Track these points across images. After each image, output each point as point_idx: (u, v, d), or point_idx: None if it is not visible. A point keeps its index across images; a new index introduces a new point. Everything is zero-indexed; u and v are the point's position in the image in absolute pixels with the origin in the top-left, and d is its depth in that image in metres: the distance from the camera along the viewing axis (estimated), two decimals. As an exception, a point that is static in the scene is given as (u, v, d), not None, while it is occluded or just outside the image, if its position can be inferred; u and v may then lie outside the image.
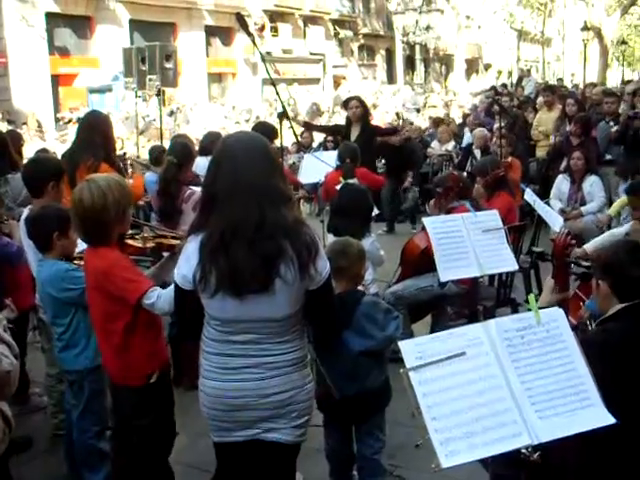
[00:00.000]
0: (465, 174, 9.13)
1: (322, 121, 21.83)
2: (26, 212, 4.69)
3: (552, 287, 3.67)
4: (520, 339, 2.53)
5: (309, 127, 12.60)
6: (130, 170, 11.04)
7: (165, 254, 4.01)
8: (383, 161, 12.87)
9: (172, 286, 3.43)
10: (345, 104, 10.76)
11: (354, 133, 9.91)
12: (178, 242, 3.95)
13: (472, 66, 52.79)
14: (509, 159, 9.91)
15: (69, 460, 4.35)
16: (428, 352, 2.43)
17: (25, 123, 22.03)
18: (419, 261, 5.96)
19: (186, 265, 2.90)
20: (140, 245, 3.86)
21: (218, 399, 2.98)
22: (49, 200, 4.56)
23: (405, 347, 2.43)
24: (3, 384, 2.56)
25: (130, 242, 3.80)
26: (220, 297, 2.83)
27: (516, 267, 5.39)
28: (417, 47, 36.46)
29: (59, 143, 17.57)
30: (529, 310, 2.63)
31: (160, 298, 3.49)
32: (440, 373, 2.41)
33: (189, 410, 4.18)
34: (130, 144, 16.36)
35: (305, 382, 3.02)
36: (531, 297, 2.68)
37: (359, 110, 10.02)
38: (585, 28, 31.79)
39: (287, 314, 2.88)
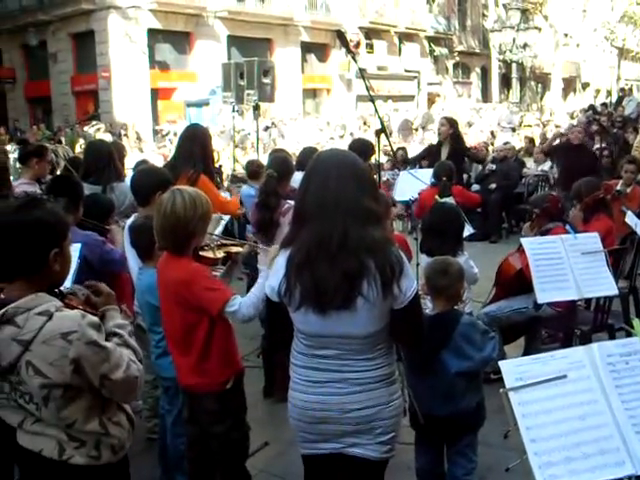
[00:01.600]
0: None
1: (416, 138, 21.83)
2: (130, 220, 4.84)
3: None
4: (624, 364, 2.47)
5: (408, 162, 12.57)
6: (226, 183, 11.27)
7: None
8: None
9: (253, 292, 3.59)
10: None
11: (444, 152, 9.91)
12: (242, 250, 4.08)
13: (569, 85, 51.80)
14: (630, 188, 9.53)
15: (162, 464, 4.44)
16: (529, 373, 2.40)
17: (125, 135, 22.72)
18: (514, 282, 5.88)
19: (274, 278, 2.97)
20: (213, 256, 3.91)
21: (304, 411, 3.02)
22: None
23: (505, 367, 2.41)
24: (132, 389, 2.63)
25: (203, 254, 3.85)
26: (304, 311, 2.88)
27: (616, 292, 5.25)
28: (513, 65, 35.98)
29: (156, 154, 18.05)
30: (631, 335, 2.57)
31: (242, 305, 3.56)
32: (540, 395, 2.37)
33: (280, 420, 4.23)
34: (225, 157, 16.69)
35: (391, 399, 3.00)
36: (636, 322, 2.61)
37: (444, 129, 10.03)
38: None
39: (370, 332, 2.88)
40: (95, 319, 2.51)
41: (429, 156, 11.01)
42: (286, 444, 4.84)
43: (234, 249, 4.08)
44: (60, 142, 16.49)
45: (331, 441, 3.02)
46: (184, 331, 3.71)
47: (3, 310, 2.38)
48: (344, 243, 2.79)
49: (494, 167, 13.49)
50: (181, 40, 29.95)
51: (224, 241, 4.17)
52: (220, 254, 3.98)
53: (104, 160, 6.18)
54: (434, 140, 13.79)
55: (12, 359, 2.40)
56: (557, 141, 12.59)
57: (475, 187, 12.99)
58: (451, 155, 9.73)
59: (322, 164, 3.00)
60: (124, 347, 2.62)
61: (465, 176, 12.01)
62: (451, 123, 10.39)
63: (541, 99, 47.06)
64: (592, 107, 20.39)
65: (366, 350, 2.92)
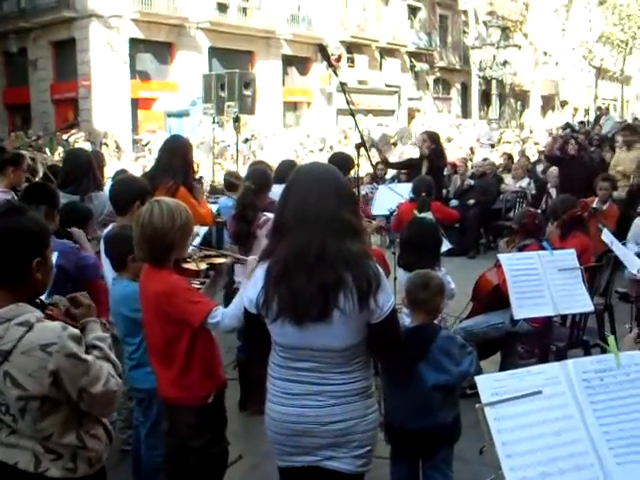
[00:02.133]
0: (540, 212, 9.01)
1: (395, 153, 21.89)
2: (107, 231, 4.82)
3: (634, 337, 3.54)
4: (599, 381, 2.48)
5: (387, 164, 12.62)
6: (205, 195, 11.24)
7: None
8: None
9: (234, 303, 3.55)
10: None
11: (424, 167, 9.97)
12: (225, 261, 4.05)
13: (548, 103, 52.32)
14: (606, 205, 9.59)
15: (136, 476, 4.40)
16: (505, 388, 2.39)
17: (105, 144, 22.62)
18: (491, 297, 5.90)
19: (253, 289, 2.98)
20: (195, 268, 3.89)
21: (281, 423, 3.02)
22: (133, 219, 4.66)
23: (482, 382, 2.40)
24: (111, 403, 2.62)
25: (186, 266, 3.83)
26: (280, 323, 2.89)
27: (592, 308, 5.28)
28: (493, 82, 36.28)
29: (135, 164, 17.99)
30: (605, 351, 2.58)
31: (225, 316, 3.53)
32: (516, 411, 2.37)
33: (255, 433, 4.21)
34: (204, 168, 16.66)
35: (367, 412, 3.01)
36: (611, 339, 2.62)
37: (426, 144, 10.09)
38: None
39: (346, 345, 2.89)
40: (76, 331, 2.49)
41: (409, 168, 11.07)
42: (261, 457, 4.82)
43: (218, 260, 4.06)
44: (40, 149, 16.38)
45: (308, 454, 3.02)
46: (165, 344, 3.68)
47: None
48: (322, 255, 2.80)
49: (472, 182, 13.59)
50: (162, 50, 29.97)
51: (207, 252, 4.14)
52: (203, 265, 3.95)
53: (83, 169, 6.15)
54: (414, 154, 13.89)
55: None
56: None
57: (454, 202, 13.04)
58: (430, 170, 9.77)
59: (302, 177, 3.03)
60: (104, 360, 2.60)
61: (444, 191, 12.06)
62: (433, 138, 10.44)
63: (520, 116, 47.47)
64: (569, 125, 20.52)
65: (343, 363, 2.93)
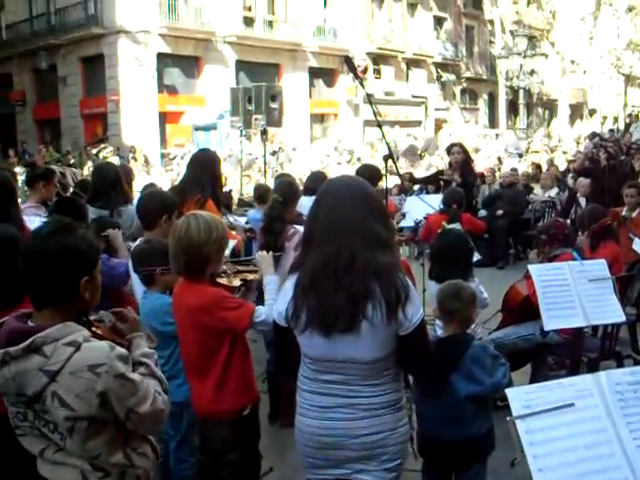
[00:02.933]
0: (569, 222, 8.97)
1: (423, 164, 21.89)
2: (136, 244, 4.85)
3: None
4: (633, 393, 2.45)
5: (415, 181, 12.63)
6: (234, 208, 11.28)
7: None
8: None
9: (266, 297, 3.64)
10: (448, 149, 10.87)
11: (455, 178, 9.95)
12: (256, 277, 4.05)
13: (576, 111, 51.95)
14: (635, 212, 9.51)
15: (165, 489, 4.41)
16: (536, 401, 2.38)
17: (134, 157, 22.82)
18: (521, 308, 5.86)
19: (282, 301, 3.00)
20: (228, 284, 3.88)
21: (310, 436, 3.01)
22: (160, 233, 4.67)
23: (512, 394, 2.39)
24: (159, 422, 2.61)
25: (220, 281, 3.83)
26: (309, 334, 2.89)
27: (623, 319, 5.22)
28: (521, 91, 36.14)
29: (164, 178, 18.12)
30: (638, 363, 2.55)
31: (265, 312, 3.58)
32: (548, 423, 2.35)
33: (285, 446, 4.21)
34: (232, 181, 16.74)
35: (397, 425, 2.99)
36: (644, 350, 2.60)
37: (460, 157, 10.08)
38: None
39: (374, 357, 2.88)
40: (123, 351, 2.47)
41: (435, 183, 11.07)
42: (291, 470, 4.81)
43: (250, 276, 4.06)
44: (70, 165, 16.56)
45: (338, 467, 3.01)
46: (202, 356, 3.69)
47: (31, 339, 2.33)
48: (350, 266, 2.80)
49: (499, 189, 13.54)
50: (190, 64, 30.17)
51: (239, 267, 4.14)
52: (237, 282, 3.95)
53: (111, 183, 6.20)
54: (440, 165, 13.87)
55: (38, 389, 2.36)
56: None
57: (482, 212, 13.00)
58: (462, 181, 9.79)
59: (332, 189, 3.04)
60: (150, 377, 2.58)
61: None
62: (465, 150, 10.53)
63: (548, 125, 47.14)
64: (596, 134, 20.36)
65: (372, 376, 2.92)
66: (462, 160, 10.14)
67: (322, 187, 3.09)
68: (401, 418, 3.03)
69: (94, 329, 2.54)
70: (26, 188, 7.47)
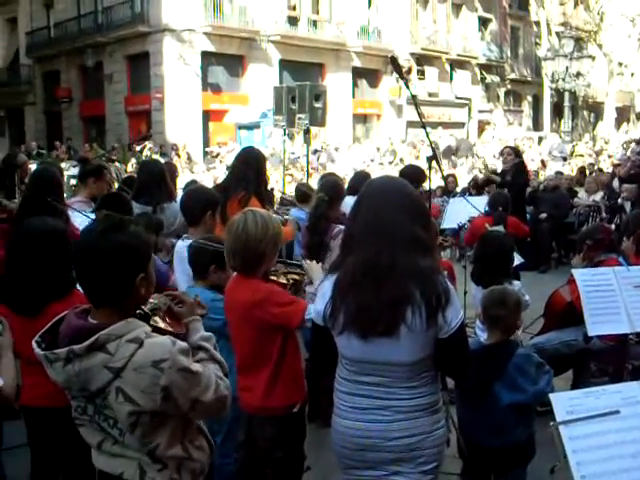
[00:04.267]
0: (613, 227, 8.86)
1: (465, 166, 21.80)
2: (180, 241, 4.89)
3: None
4: (680, 402, 2.41)
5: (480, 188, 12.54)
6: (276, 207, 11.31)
7: None
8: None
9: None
10: (501, 152, 10.92)
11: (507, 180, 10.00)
12: (304, 278, 4.05)
13: (623, 115, 51.13)
14: None
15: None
16: (580, 407, 2.35)
17: (177, 155, 22.99)
18: (564, 314, 5.79)
19: (321, 301, 2.99)
20: (283, 281, 3.88)
21: (346, 437, 3.00)
22: (204, 229, 4.72)
23: (556, 400, 2.37)
24: (223, 407, 2.61)
25: (273, 278, 3.83)
26: (346, 336, 2.88)
27: (670, 326, 5.13)
28: (566, 94, 35.66)
29: (206, 175, 18.23)
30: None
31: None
32: (592, 430, 2.32)
33: (324, 445, 4.19)
34: (273, 180, 16.79)
35: (434, 428, 2.97)
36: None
37: (510, 157, 10.08)
38: None
39: (412, 360, 2.86)
40: (184, 345, 2.48)
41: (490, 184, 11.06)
42: (329, 469, 4.80)
43: (299, 277, 4.06)
44: (113, 161, 16.76)
45: (374, 469, 3.00)
46: (255, 352, 3.70)
47: (95, 337, 2.35)
48: (391, 269, 2.79)
49: (540, 192, 13.54)
50: (234, 63, 30.35)
51: (287, 269, 4.12)
52: (282, 280, 3.93)
53: (155, 180, 6.26)
54: (477, 165, 13.84)
55: (101, 385, 2.38)
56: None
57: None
58: (512, 184, 9.80)
59: (373, 191, 3.03)
60: (210, 362, 2.61)
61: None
62: (517, 153, 10.56)
63: (593, 129, 46.52)
64: (641, 139, 20.08)
65: (410, 378, 2.90)
66: (513, 162, 10.15)
67: (362, 189, 3.08)
68: (438, 421, 3.01)
69: (153, 322, 2.56)
70: (71, 183, 7.58)
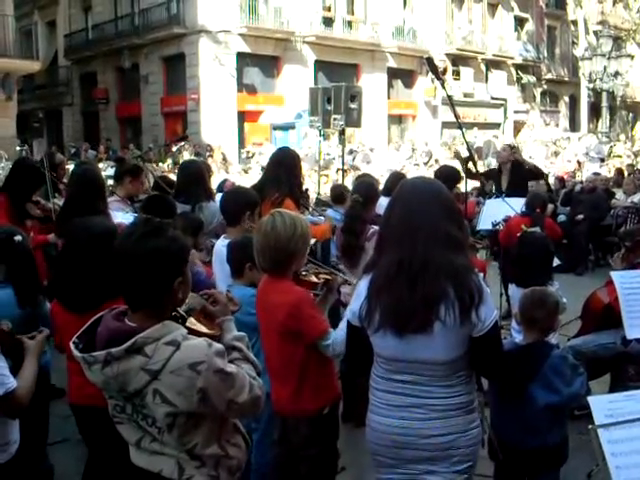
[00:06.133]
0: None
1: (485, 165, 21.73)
2: (219, 241, 4.91)
3: None
4: None
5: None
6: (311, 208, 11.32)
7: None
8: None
9: (343, 327, 3.48)
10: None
11: (504, 179, 10.04)
12: (335, 277, 4.04)
13: (662, 115, 50.46)
14: None
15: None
16: (620, 411, 2.33)
17: (210, 156, 23.12)
18: (602, 316, 5.73)
19: (356, 301, 3.02)
20: (314, 280, 3.87)
21: (382, 435, 3.02)
22: (242, 229, 4.74)
23: (595, 403, 2.35)
24: (257, 406, 2.64)
25: (304, 277, 3.83)
26: (382, 334, 2.90)
27: None
28: (604, 94, 35.27)
29: (242, 176, 18.31)
30: None
31: (335, 341, 3.54)
32: (632, 434, 2.30)
33: (359, 445, 4.20)
34: (309, 181, 16.81)
35: (469, 427, 2.98)
36: None
37: (505, 154, 10.15)
38: None
39: (447, 358, 2.88)
40: (220, 347, 2.50)
41: (488, 179, 11.09)
42: (364, 469, 4.80)
43: (330, 277, 4.05)
44: (149, 161, 16.90)
45: (407, 466, 3.01)
46: (281, 358, 3.71)
47: (133, 340, 2.39)
48: (424, 267, 2.81)
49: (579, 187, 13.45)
50: (269, 64, 30.46)
51: (319, 270, 4.11)
52: (313, 279, 3.92)
53: (194, 179, 6.30)
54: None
55: (139, 387, 2.42)
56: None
57: (562, 217, 12.84)
58: (511, 181, 9.89)
59: (407, 191, 3.05)
60: (244, 362, 2.64)
61: (551, 206, 11.83)
62: (512, 149, 10.59)
63: (632, 129, 45.92)
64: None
65: (445, 377, 2.91)
66: (508, 159, 10.21)
67: (396, 190, 3.10)
68: (473, 420, 3.01)
69: (189, 324, 2.59)
70: (109, 183, 7.64)
